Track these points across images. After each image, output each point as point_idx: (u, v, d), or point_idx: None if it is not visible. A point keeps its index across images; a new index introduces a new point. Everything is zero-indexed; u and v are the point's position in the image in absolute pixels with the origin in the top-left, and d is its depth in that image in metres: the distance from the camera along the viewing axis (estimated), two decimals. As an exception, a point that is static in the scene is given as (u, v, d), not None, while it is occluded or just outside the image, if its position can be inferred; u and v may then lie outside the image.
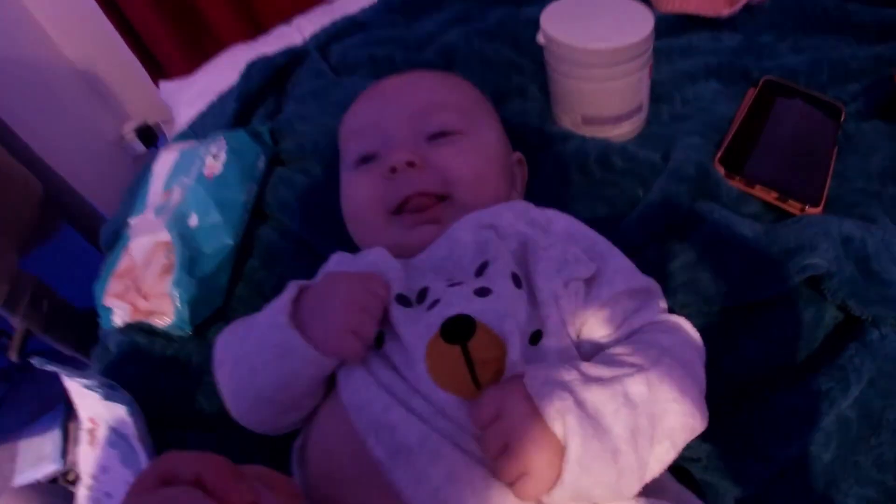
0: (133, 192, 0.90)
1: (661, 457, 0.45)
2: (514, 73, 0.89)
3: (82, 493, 0.71)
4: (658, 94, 0.82)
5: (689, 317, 0.54)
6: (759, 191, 0.69)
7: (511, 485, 0.42)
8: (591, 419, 0.42)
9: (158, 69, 1.53)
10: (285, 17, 1.41)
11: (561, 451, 0.41)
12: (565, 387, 0.43)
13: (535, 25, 0.75)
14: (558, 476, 0.41)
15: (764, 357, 0.58)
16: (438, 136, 0.63)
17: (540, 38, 0.75)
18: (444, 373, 0.46)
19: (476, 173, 0.63)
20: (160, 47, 1.49)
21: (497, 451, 0.42)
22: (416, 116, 0.64)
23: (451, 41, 0.96)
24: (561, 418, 0.42)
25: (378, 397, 0.47)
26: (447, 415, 0.46)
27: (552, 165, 0.75)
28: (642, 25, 0.70)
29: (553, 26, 0.73)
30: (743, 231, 0.63)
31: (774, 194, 0.68)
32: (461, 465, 0.43)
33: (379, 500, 0.45)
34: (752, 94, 0.80)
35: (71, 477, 1.33)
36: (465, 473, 0.43)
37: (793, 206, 0.68)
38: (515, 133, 0.74)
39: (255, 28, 1.44)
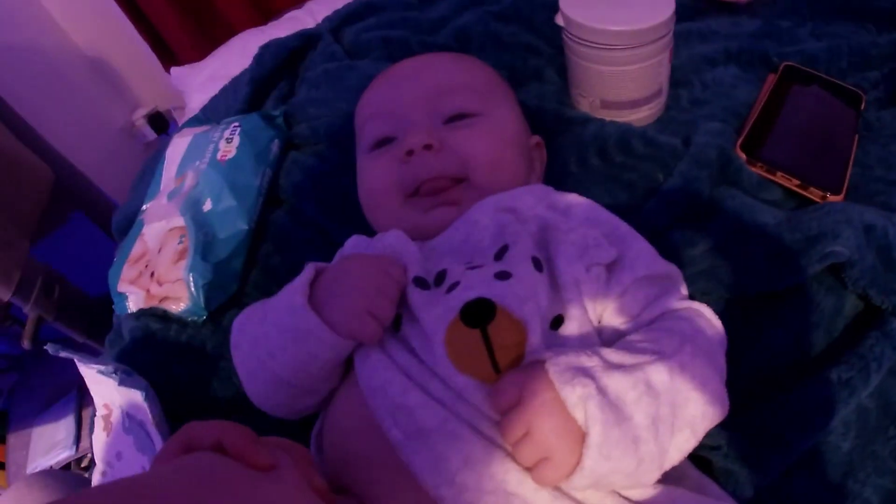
0: (145, 177, 0.90)
1: (681, 445, 0.45)
2: (530, 56, 0.89)
3: (97, 479, 0.71)
4: (677, 79, 0.81)
5: (709, 304, 0.53)
6: (780, 177, 0.68)
7: (530, 470, 0.42)
8: (612, 406, 0.42)
9: (169, 56, 1.53)
10: (297, 1, 1.41)
11: (581, 437, 0.41)
12: (587, 373, 0.43)
13: (551, 7, 0.74)
14: (578, 462, 0.41)
15: (784, 346, 0.57)
16: (455, 118, 0.63)
17: (558, 19, 0.74)
18: (463, 356, 0.46)
19: (494, 155, 0.62)
20: (171, 34, 1.49)
21: (517, 437, 0.42)
22: (432, 99, 0.64)
23: (466, 23, 0.95)
24: (583, 405, 0.41)
25: (396, 380, 0.47)
26: (466, 399, 0.45)
27: (571, 149, 0.74)
28: (663, 8, 0.69)
29: (572, 7, 0.72)
30: (764, 218, 0.62)
31: (796, 181, 0.67)
32: (479, 450, 0.43)
33: (395, 483, 0.45)
34: (772, 79, 0.79)
35: (84, 463, 1.35)
36: (482, 458, 0.43)
37: (814, 194, 0.67)
38: (533, 117, 0.73)
39: (266, 14, 1.44)
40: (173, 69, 1.45)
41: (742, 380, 0.54)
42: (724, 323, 0.52)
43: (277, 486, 0.38)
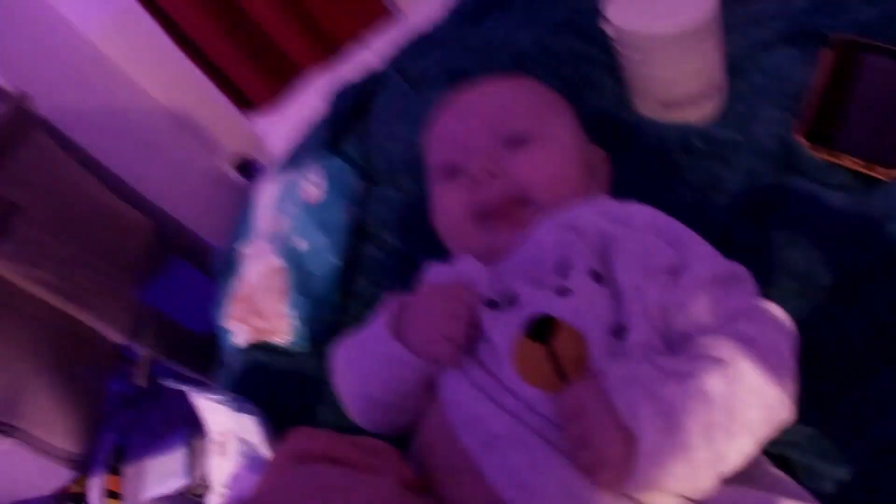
0: (241, 222, 0.97)
1: (740, 449, 0.46)
2: (585, 66, 0.89)
3: (215, 500, 0.77)
4: (734, 68, 0.79)
5: (784, 298, 0.54)
6: (843, 159, 0.67)
7: (589, 475, 0.45)
8: (664, 416, 0.44)
9: (244, 100, 1.61)
10: (356, 35, 1.46)
11: (636, 444, 0.43)
12: (641, 384, 0.45)
13: (601, 15, 0.74)
14: (633, 468, 0.43)
15: (861, 332, 0.56)
16: (515, 141, 0.65)
17: (606, 28, 0.75)
18: (529, 369, 0.50)
19: (554, 174, 0.64)
20: (242, 79, 1.56)
21: (577, 443, 0.45)
22: (491, 124, 0.66)
23: (521, 42, 0.97)
24: (635, 415, 0.44)
25: (470, 394, 0.52)
26: (533, 409, 0.49)
27: (633, 155, 0.75)
28: (706, 2, 0.69)
29: (617, 15, 0.72)
30: (831, 203, 0.62)
31: (860, 161, 0.66)
32: (545, 455, 0.47)
33: (471, 487, 0.49)
34: (826, 55, 0.76)
35: (198, 491, 1.43)
36: (548, 462, 0.46)
37: (881, 172, 0.65)
38: (593, 125, 0.74)
39: (329, 50, 1.49)
40: (255, 118, 1.52)
41: (819, 371, 0.53)
42: (796, 314, 0.52)
43: (378, 481, 0.45)
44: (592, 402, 0.45)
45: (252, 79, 1.58)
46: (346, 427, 0.65)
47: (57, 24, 1.51)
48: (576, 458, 0.46)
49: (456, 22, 1.15)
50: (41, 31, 1.51)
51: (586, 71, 0.89)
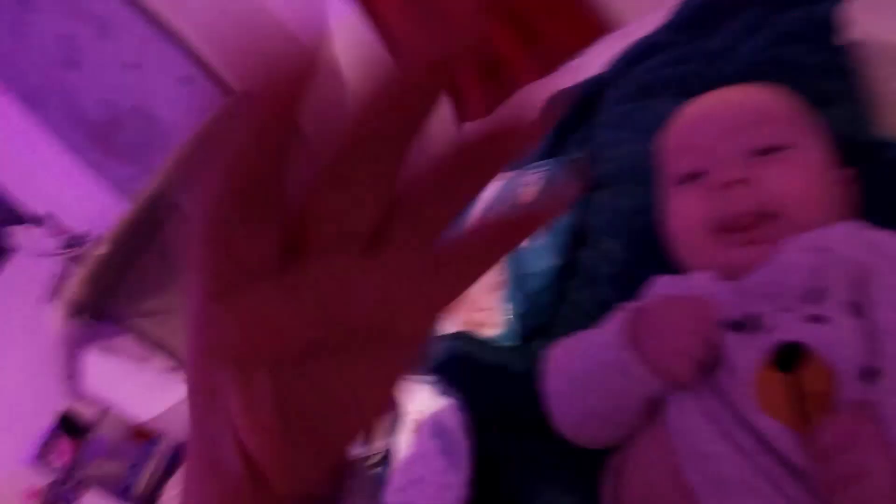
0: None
1: None
2: (821, 79, 0.82)
3: (393, 473, 0.81)
4: None
5: None
6: None
7: None
8: None
9: (458, 107, 1.69)
10: (576, 50, 1.47)
11: None
12: None
13: (840, 23, 0.70)
14: None
15: None
16: (767, 151, 0.60)
17: (848, 37, 0.70)
18: (773, 401, 0.47)
19: (807, 191, 0.59)
20: (460, 90, 1.65)
21: (842, 482, 0.42)
22: (742, 132, 0.61)
23: (751, 50, 0.92)
24: None
25: (702, 425, 0.49)
26: (772, 446, 0.46)
27: (877, 179, 0.68)
28: None
29: (866, 23, 0.69)
30: None
31: None
32: (783, 502, 0.44)
33: None
34: None
35: (372, 461, 1.51)
36: None
37: None
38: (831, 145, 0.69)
39: (550, 65, 1.51)
40: (469, 124, 1.60)
41: None
42: None
43: None
44: (866, 435, 0.42)
45: (470, 88, 1.63)
46: (543, 428, 0.64)
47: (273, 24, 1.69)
48: (837, 500, 0.42)
49: (678, 30, 1.11)
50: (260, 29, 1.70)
51: (821, 85, 0.82)
